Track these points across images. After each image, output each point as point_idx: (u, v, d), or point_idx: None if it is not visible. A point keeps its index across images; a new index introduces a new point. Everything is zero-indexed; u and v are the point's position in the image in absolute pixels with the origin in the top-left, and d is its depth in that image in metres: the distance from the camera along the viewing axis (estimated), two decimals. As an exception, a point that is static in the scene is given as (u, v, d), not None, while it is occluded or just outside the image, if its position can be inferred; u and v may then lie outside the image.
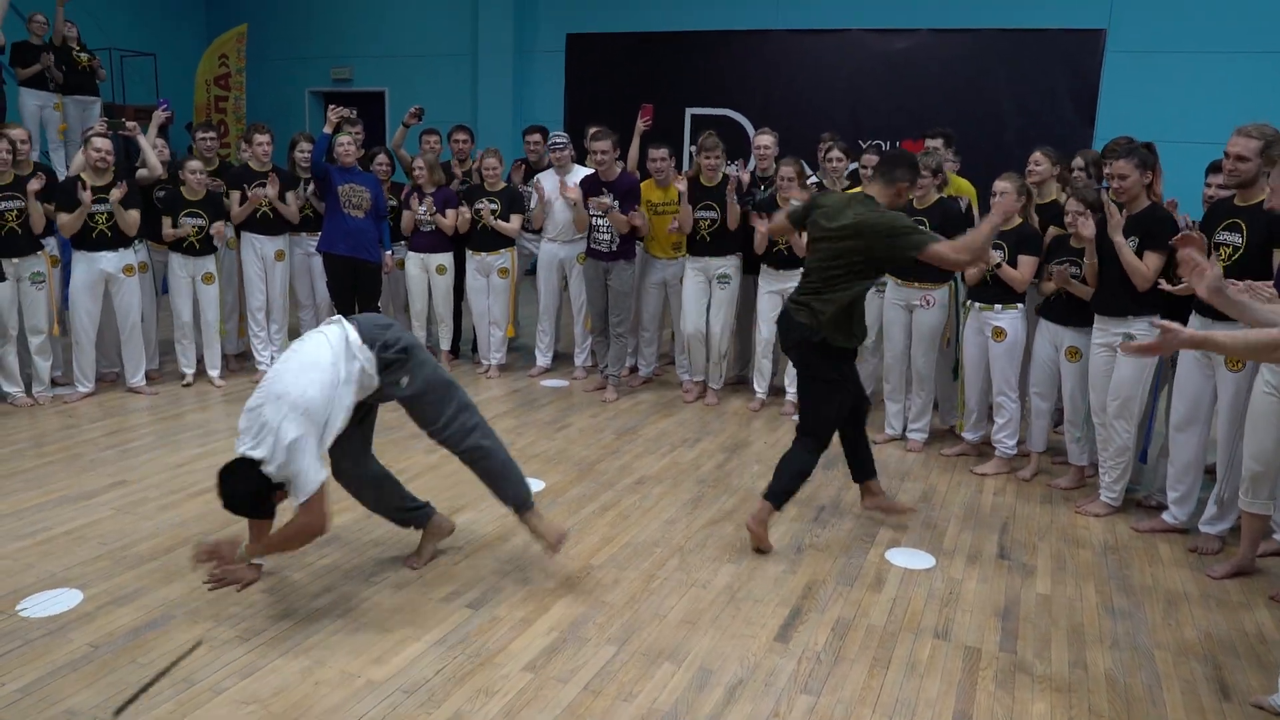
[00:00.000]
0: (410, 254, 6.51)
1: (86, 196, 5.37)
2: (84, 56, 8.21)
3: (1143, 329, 4.22)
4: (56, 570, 3.55)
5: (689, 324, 6.06)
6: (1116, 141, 4.71)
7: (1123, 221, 4.20)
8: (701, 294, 6.00)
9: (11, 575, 3.49)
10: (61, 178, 6.50)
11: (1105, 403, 4.42)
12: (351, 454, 3.52)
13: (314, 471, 2.99)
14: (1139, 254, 4.16)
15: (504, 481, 3.52)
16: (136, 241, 5.80)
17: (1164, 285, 4.03)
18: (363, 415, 3.43)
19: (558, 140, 6.31)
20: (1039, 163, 5.09)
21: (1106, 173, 4.52)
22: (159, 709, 2.71)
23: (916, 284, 5.17)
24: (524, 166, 6.94)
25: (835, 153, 5.91)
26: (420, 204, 6.33)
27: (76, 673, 2.89)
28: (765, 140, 6.09)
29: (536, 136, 6.98)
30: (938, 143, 5.90)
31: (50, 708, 2.71)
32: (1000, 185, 4.83)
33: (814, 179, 6.03)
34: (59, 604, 3.30)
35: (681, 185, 5.75)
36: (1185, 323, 4.13)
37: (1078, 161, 5.28)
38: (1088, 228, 4.33)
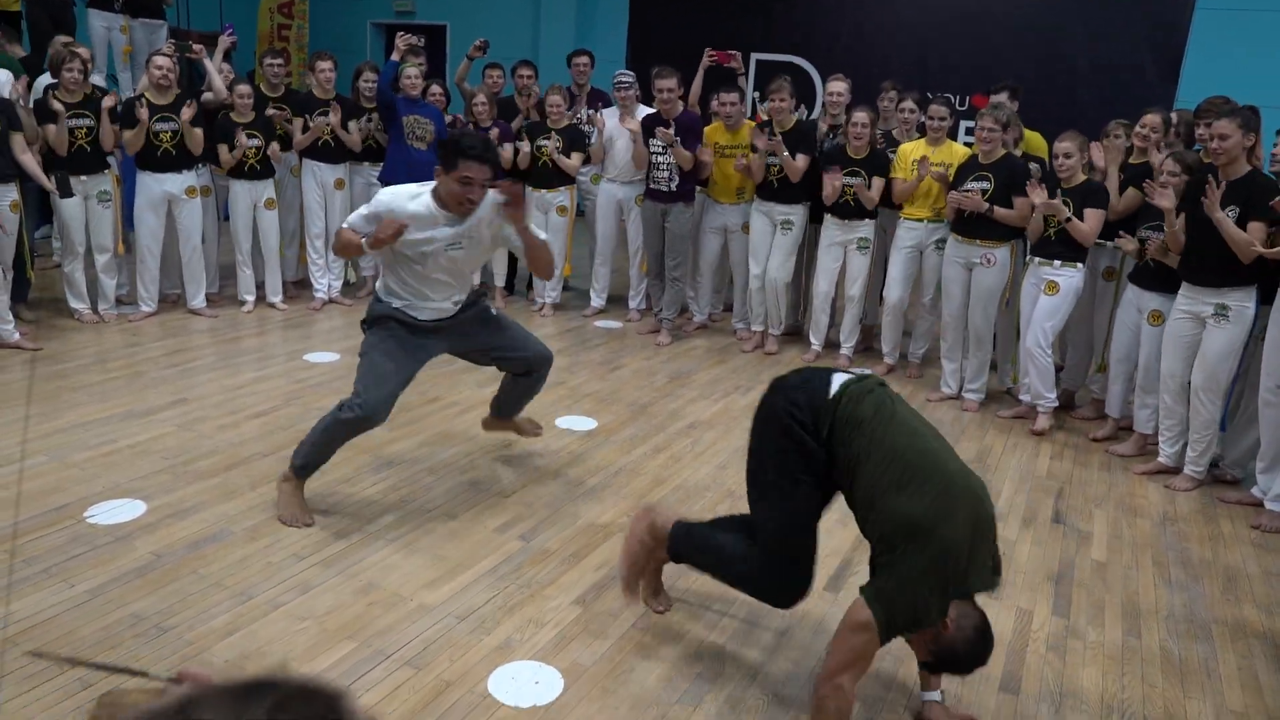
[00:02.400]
0: (469, 189, 6.48)
1: (144, 113, 5.42)
2: (151, -21, 8.21)
3: (1241, 300, 4.08)
4: (121, 481, 3.63)
5: (754, 268, 6.00)
6: (1213, 101, 4.53)
7: (1219, 197, 4.00)
8: (766, 238, 5.93)
9: (80, 483, 3.58)
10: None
11: (1176, 370, 4.30)
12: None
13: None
14: (1240, 223, 3.99)
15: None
16: (199, 164, 5.84)
17: (1260, 249, 3.86)
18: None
19: (624, 79, 6.22)
20: (1155, 129, 4.84)
21: (1199, 134, 4.34)
22: (215, 621, 2.77)
23: (979, 241, 5.06)
24: (583, 98, 6.86)
25: (908, 103, 5.76)
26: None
27: (141, 579, 2.96)
28: (838, 87, 5.94)
29: (584, 59, 6.88)
30: (1003, 96, 5.73)
31: (116, 610, 2.79)
32: (1061, 146, 4.70)
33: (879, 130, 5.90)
34: (124, 513, 3.38)
35: (760, 141, 5.63)
36: (1274, 296, 4.00)
37: (1172, 118, 5.07)
38: (1166, 198, 4.17)
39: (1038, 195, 4.70)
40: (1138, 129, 4.88)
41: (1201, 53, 8.33)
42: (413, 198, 3.36)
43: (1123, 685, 2.82)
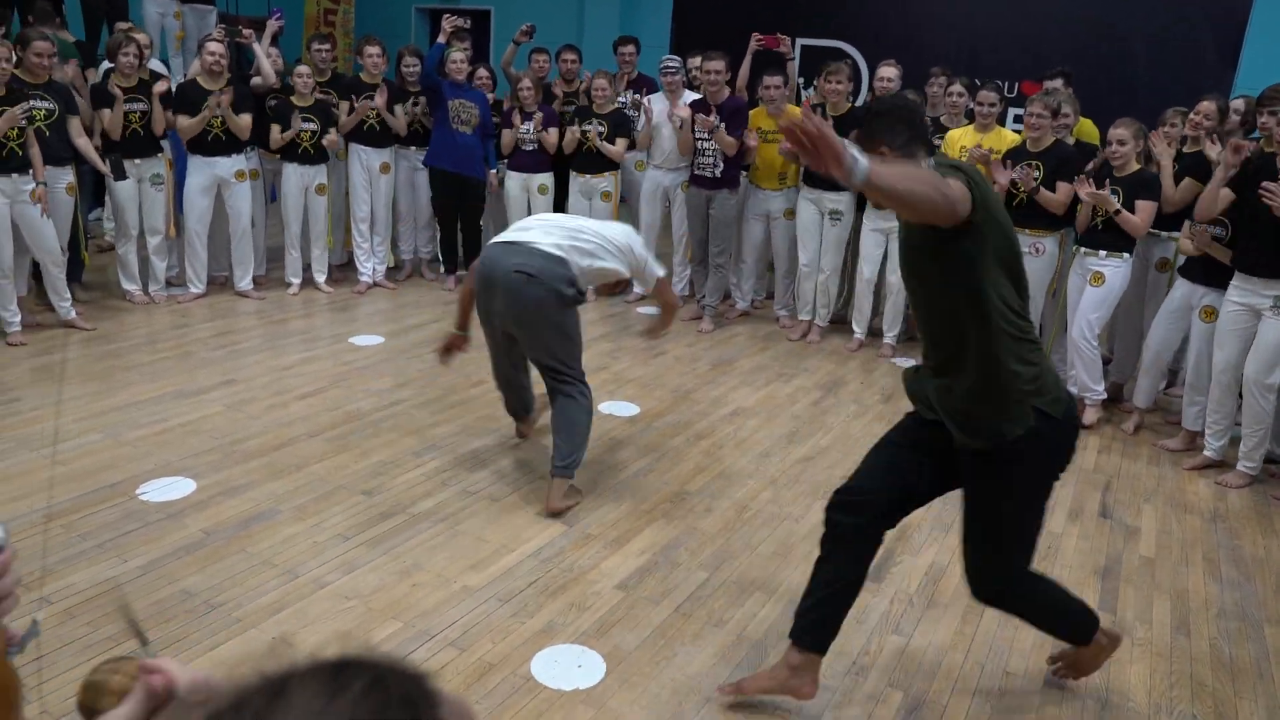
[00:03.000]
0: (511, 173, 6.50)
1: (213, 100, 5.51)
2: (202, -35, 8.32)
3: None
4: (172, 459, 3.70)
5: (804, 256, 5.96)
6: (1276, 88, 4.41)
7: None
8: (815, 227, 5.88)
9: (132, 461, 3.65)
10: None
11: (1232, 362, 4.21)
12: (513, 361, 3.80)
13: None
14: None
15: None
16: (249, 148, 5.92)
17: None
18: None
19: (670, 64, 6.18)
20: (1210, 116, 4.74)
21: (1262, 122, 4.23)
22: (263, 598, 2.82)
23: (1028, 230, 4.97)
24: (627, 83, 6.85)
25: (957, 87, 5.67)
26: (524, 122, 6.30)
27: (191, 556, 3.02)
28: (889, 72, 5.87)
29: (630, 48, 6.86)
30: (1057, 83, 5.62)
31: (168, 585, 2.85)
32: (1116, 133, 4.60)
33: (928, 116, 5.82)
34: (175, 491, 3.45)
35: (813, 121, 5.57)
36: None
37: (1237, 105, 4.94)
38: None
39: (1083, 189, 4.62)
40: (1191, 116, 4.77)
41: (1263, 36, 8.10)
42: None
43: (1171, 683, 2.78)
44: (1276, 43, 7.95)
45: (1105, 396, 4.91)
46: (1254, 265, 4.08)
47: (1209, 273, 4.38)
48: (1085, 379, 4.83)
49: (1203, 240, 4.28)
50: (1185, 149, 4.82)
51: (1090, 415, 4.83)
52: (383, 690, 0.61)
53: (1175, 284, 4.64)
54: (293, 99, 5.95)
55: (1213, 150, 4.55)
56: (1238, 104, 4.92)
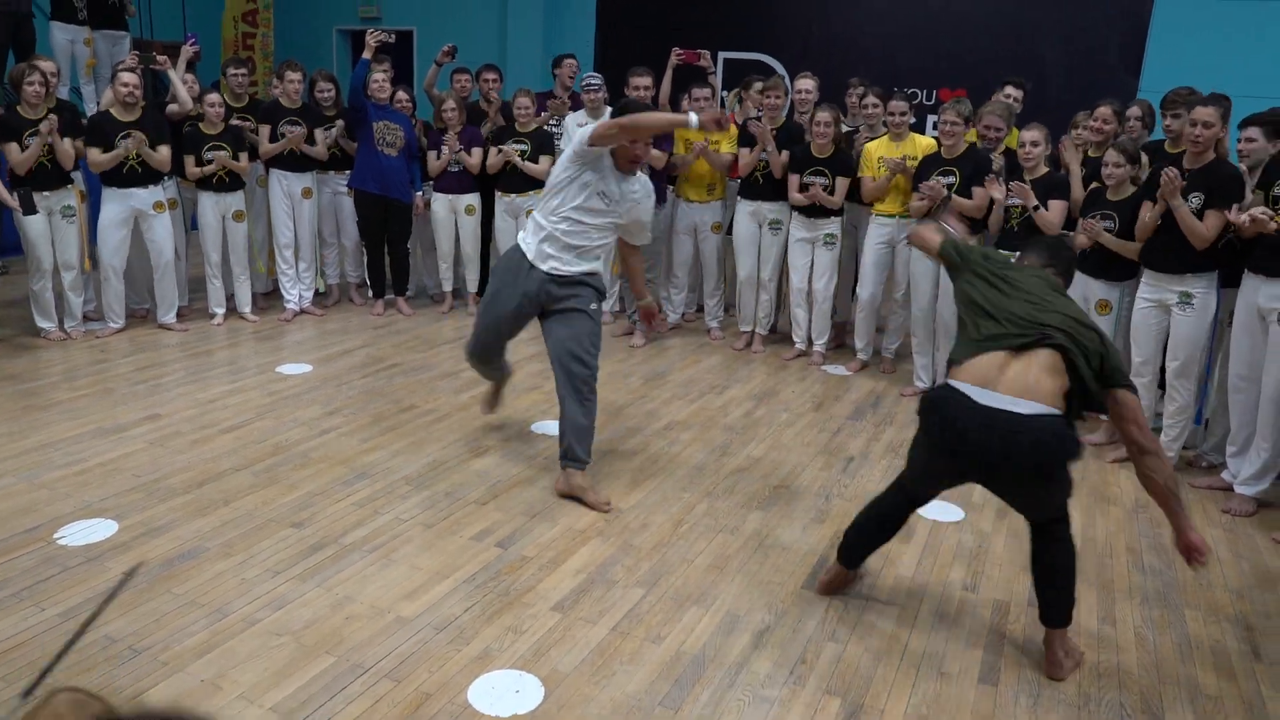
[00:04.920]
0: (437, 195, 6.46)
1: (130, 144, 5.36)
2: (113, -10, 8.13)
3: (1203, 287, 4.14)
4: (92, 500, 3.59)
5: (743, 269, 6.02)
6: (1178, 91, 4.59)
7: (1179, 185, 4.04)
8: (754, 238, 5.94)
9: (50, 504, 3.54)
10: (90, 113, 6.48)
11: (1149, 359, 4.35)
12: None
13: None
14: (1202, 210, 4.04)
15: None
16: (166, 178, 5.78)
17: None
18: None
19: (592, 81, 6.21)
20: (1108, 120, 4.92)
21: (1166, 124, 4.39)
22: (190, 640, 2.75)
23: (946, 235, 5.09)
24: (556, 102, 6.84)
25: (871, 98, 5.80)
26: (444, 145, 6.26)
27: (114, 601, 2.93)
28: (807, 85, 5.97)
29: (573, 60, 6.85)
30: (1018, 92, 5.70)
31: (90, 633, 2.75)
32: (1027, 135, 4.75)
33: (848, 127, 5.93)
34: (95, 533, 3.34)
35: (757, 129, 5.66)
36: (1239, 281, 4.05)
37: (1134, 111, 5.13)
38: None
39: (995, 190, 4.77)
40: (1090, 121, 4.94)
41: (1163, 43, 8.42)
42: None
43: (1099, 673, 2.85)
44: (1177, 46, 8.28)
45: None
46: (1161, 263, 4.24)
47: (1100, 266, 4.53)
48: None
49: (1093, 232, 4.42)
50: (1091, 153, 4.98)
51: None
52: None
53: (1074, 279, 4.77)
54: (201, 126, 5.83)
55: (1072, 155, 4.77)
56: (1135, 110, 5.11)
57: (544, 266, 3.73)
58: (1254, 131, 4.24)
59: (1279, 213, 3.79)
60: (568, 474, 3.79)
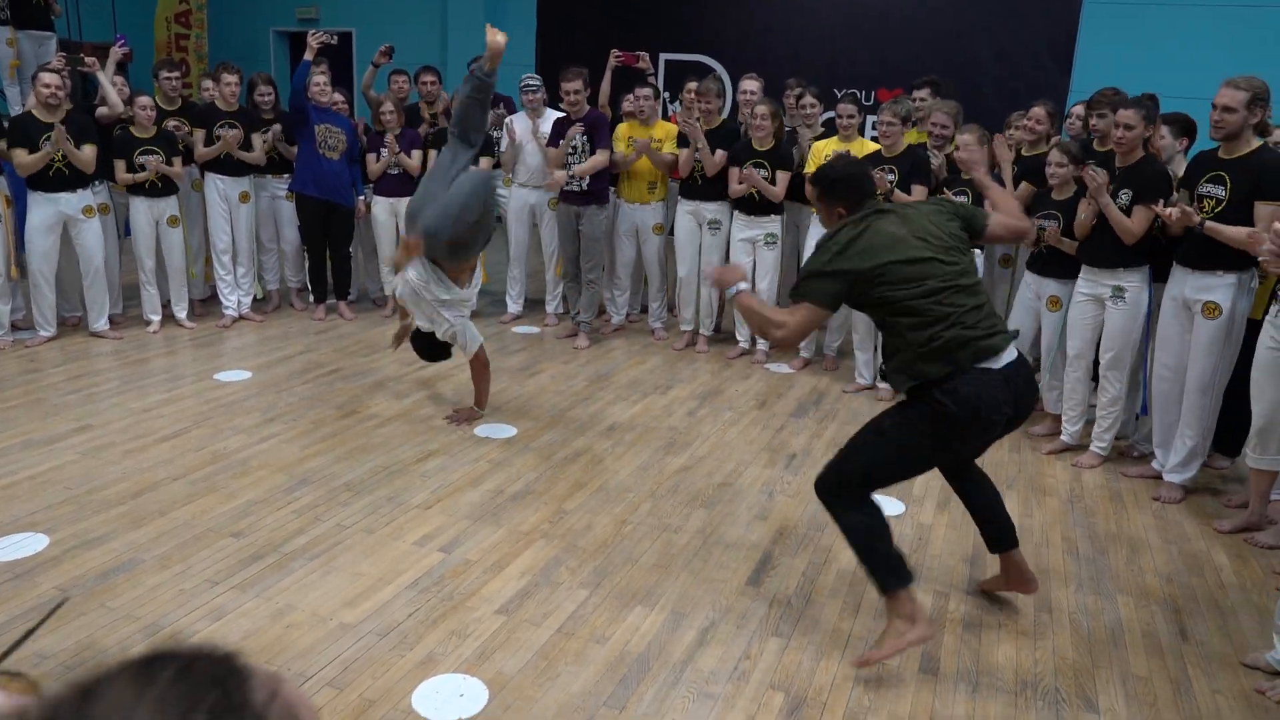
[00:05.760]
0: (377, 198, 6.39)
1: (55, 137, 5.20)
2: (38, -11, 7.92)
3: (1135, 281, 4.25)
4: (21, 515, 3.49)
5: (682, 268, 6.04)
6: (1104, 92, 4.71)
7: (1106, 184, 4.16)
8: (693, 238, 5.97)
9: (-26, 519, 3.44)
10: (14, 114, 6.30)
11: (1082, 351, 4.47)
12: None
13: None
14: (1131, 206, 4.16)
15: None
16: (96, 182, 5.64)
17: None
18: None
19: (530, 82, 6.20)
20: (1041, 121, 5.06)
21: (1093, 124, 4.51)
22: (129, 653, 2.68)
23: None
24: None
25: (809, 99, 5.87)
26: (384, 148, 6.21)
27: (35, 634, 2.85)
28: (750, 85, 6.02)
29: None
30: (924, 91, 5.85)
31: (19, 651, 2.67)
32: (962, 138, 4.84)
33: (786, 127, 6.00)
34: (24, 548, 3.25)
35: (689, 131, 5.68)
36: (1168, 274, 4.17)
37: (1077, 110, 5.26)
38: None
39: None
40: (1024, 121, 5.06)
41: (1092, 44, 8.65)
42: None
43: (1035, 660, 2.92)
44: (1104, 48, 8.51)
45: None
46: (1095, 258, 4.35)
47: (1049, 265, 4.64)
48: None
49: (1053, 238, 4.53)
50: (1025, 152, 5.10)
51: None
52: (191, 675, 0.63)
53: (1023, 279, 4.90)
54: (133, 130, 5.70)
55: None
56: (1077, 109, 5.25)
57: None
58: (1163, 130, 4.41)
59: (1203, 209, 3.91)
60: None
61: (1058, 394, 4.78)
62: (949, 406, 2.64)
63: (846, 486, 2.86)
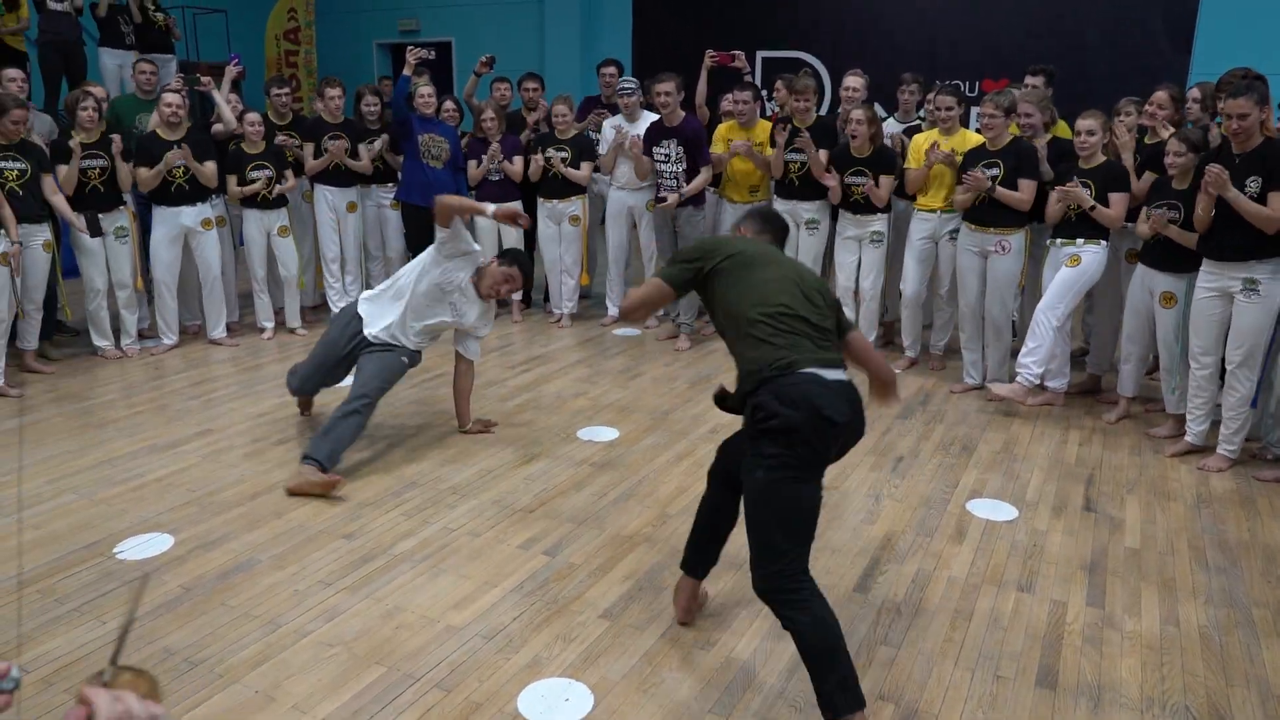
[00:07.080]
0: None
1: (173, 155, 5.49)
2: (159, 16, 8.31)
3: (1267, 273, 4.01)
4: (149, 515, 3.66)
5: None
6: (1233, 74, 4.45)
7: (1225, 179, 3.90)
8: (791, 237, 5.90)
9: (108, 520, 3.61)
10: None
11: (1209, 349, 4.23)
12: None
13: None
14: (1263, 194, 3.92)
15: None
16: (214, 195, 5.90)
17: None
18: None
19: (626, 85, 6.21)
20: (1164, 105, 4.80)
21: (1221, 109, 4.27)
22: (246, 651, 2.78)
23: (992, 229, 5.00)
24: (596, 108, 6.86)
25: (944, 98, 5.43)
26: (485, 154, 6.30)
27: (171, 613, 2.98)
28: (854, 82, 5.91)
29: (612, 69, 6.86)
30: (1039, 80, 5.64)
31: (148, 645, 2.80)
32: (1084, 124, 4.65)
33: (899, 124, 5.88)
34: (152, 547, 3.40)
35: (781, 135, 5.61)
36: None
37: (1194, 94, 4.99)
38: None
39: (1056, 188, 4.69)
40: (1146, 107, 4.82)
41: (1213, 21, 8.21)
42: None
43: (1163, 675, 2.77)
44: (1228, 26, 8.05)
45: (1036, 382, 4.88)
46: (1222, 251, 4.11)
47: (1164, 258, 4.41)
48: (1028, 356, 4.81)
49: (1158, 223, 4.31)
50: (1146, 140, 4.86)
51: (1011, 390, 4.85)
52: None
53: (1134, 273, 4.67)
54: (243, 146, 5.93)
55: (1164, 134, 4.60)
56: (1194, 92, 4.97)
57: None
58: (1244, 103, 4.05)
59: None
60: (301, 470, 3.89)
61: (1180, 395, 4.55)
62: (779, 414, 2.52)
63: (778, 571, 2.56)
